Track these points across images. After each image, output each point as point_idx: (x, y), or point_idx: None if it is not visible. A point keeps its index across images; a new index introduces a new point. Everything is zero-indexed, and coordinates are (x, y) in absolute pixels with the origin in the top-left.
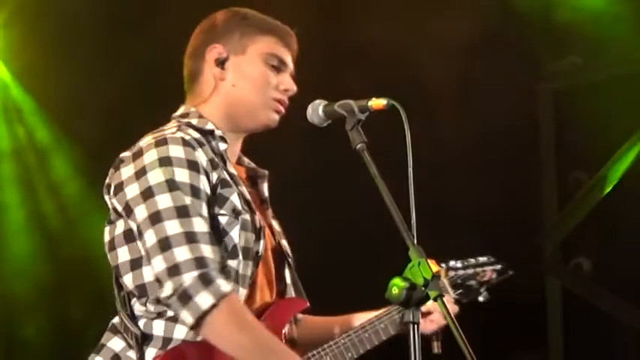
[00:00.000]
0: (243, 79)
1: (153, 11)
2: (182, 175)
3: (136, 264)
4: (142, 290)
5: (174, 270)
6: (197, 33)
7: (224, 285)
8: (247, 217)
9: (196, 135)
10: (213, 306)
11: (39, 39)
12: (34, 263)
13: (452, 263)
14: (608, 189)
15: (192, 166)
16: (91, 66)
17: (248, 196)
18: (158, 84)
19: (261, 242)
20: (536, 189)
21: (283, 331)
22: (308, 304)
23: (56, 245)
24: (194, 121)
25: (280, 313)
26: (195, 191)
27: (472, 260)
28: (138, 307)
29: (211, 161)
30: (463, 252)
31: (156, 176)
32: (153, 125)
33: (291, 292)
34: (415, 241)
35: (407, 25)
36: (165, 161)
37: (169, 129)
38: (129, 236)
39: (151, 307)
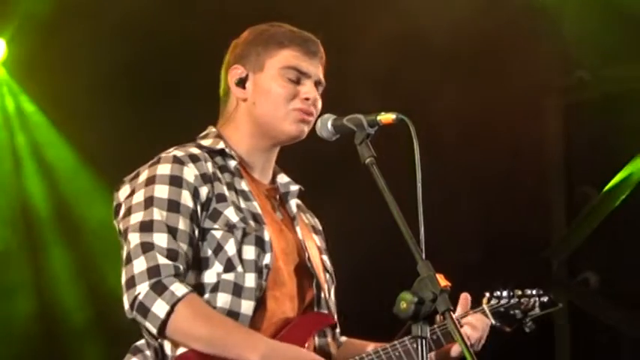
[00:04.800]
0: (263, 96)
1: (162, 22)
2: (161, 191)
3: None
4: None
5: (130, 282)
6: (227, 54)
7: (179, 289)
8: (250, 230)
9: (195, 151)
10: (170, 312)
11: (45, 53)
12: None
13: (497, 292)
14: (616, 204)
15: (175, 181)
16: (97, 78)
17: (257, 211)
18: (169, 95)
19: (268, 255)
20: (544, 203)
21: (306, 345)
22: (334, 321)
23: None
24: (205, 142)
25: (302, 327)
26: (172, 205)
27: (519, 291)
28: None
29: (203, 176)
30: (470, 266)
31: (138, 197)
32: (165, 138)
33: (316, 308)
34: (424, 256)
35: (412, 37)
36: (150, 180)
37: (175, 148)
38: None
39: None
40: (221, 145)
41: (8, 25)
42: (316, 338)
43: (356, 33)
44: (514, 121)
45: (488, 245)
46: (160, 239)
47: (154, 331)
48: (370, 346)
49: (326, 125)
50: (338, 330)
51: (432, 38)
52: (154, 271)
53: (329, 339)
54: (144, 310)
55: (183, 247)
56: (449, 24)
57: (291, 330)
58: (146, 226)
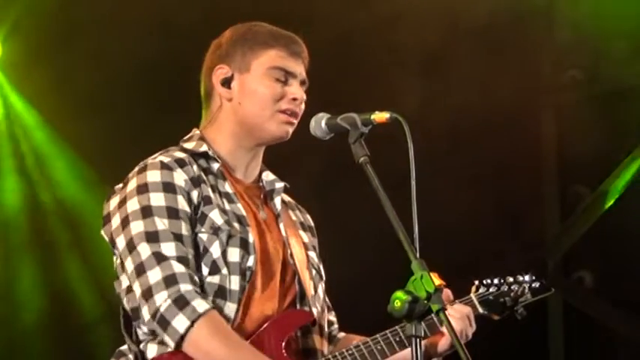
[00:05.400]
0: (249, 96)
1: (159, 22)
2: (158, 199)
3: (129, 289)
4: (134, 314)
5: (147, 293)
6: (207, 55)
7: (200, 305)
8: (235, 232)
9: (181, 155)
10: (190, 327)
11: (40, 52)
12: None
13: (487, 280)
14: (610, 203)
15: (168, 188)
16: (93, 76)
17: (241, 213)
18: (163, 91)
19: (252, 257)
20: (538, 203)
21: (283, 343)
22: (313, 317)
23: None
24: (188, 145)
25: (280, 325)
26: (171, 212)
27: (510, 277)
28: (139, 331)
29: (192, 179)
30: (464, 266)
31: (132, 205)
32: (158, 136)
33: (299, 306)
34: (417, 254)
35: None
36: (142, 188)
37: (160, 153)
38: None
39: (145, 329)
40: (204, 147)
41: (2, 25)
42: (300, 335)
43: (352, 34)
44: (508, 121)
45: (482, 245)
46: (169, 248)
47: (172, 344)
48: (355, 340)
49: (320, 124)
50: (335, 326)
51: (429, 38)
52: (170, 280)
53: (315, 335)
54: (164, 323)
55: (191, 251)
56: (446, 24)
57: (268, 327)
58: (153, 236)
